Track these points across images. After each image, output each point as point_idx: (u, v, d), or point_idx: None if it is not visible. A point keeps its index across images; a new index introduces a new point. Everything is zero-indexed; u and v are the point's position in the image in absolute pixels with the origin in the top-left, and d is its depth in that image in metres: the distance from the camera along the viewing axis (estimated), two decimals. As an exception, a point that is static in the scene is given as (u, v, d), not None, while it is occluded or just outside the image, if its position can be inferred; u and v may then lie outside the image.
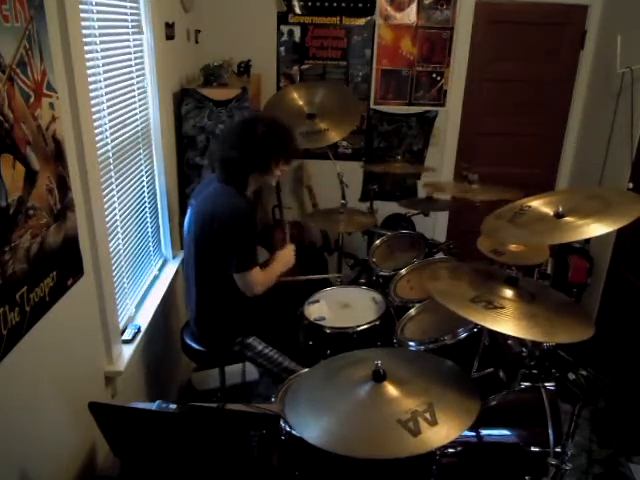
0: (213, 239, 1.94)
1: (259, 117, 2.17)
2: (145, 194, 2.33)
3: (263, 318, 2.21)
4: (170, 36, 2.58)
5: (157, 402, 1.57)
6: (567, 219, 1.46)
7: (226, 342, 2.10)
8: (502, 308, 1.37)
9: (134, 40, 2.15)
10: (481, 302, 1.39)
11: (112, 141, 1.87)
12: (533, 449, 1.55)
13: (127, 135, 2.07)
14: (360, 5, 3.36)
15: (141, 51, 2.25)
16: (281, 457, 1.52)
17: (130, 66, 2.11)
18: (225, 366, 2.29)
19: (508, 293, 1.44)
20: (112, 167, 1.89)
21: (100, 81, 1.77)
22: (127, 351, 1.91)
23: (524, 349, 1.58)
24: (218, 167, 2.02)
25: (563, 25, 3.43)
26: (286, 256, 2.22)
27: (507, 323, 1.33)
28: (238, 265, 1.94)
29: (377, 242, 2.68)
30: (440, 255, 2.64)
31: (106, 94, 1.82)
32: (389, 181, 3.70)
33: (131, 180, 2.13)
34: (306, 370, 2.01)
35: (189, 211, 2.09)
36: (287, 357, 2.12)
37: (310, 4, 3.35)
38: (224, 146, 2.01)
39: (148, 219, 2.39)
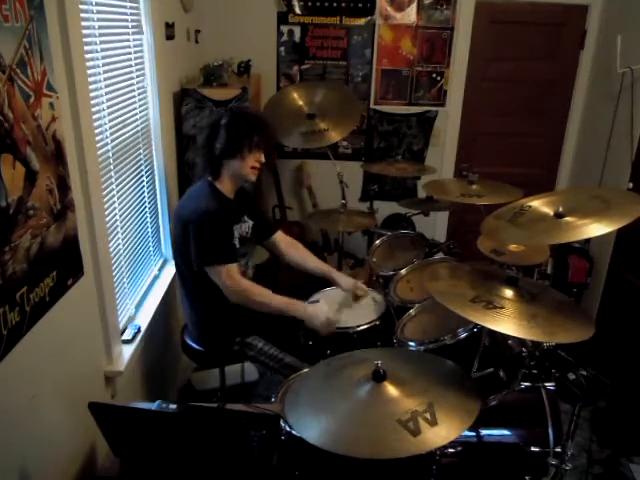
0: (186, 240, 1.94)
1: (231, 110, 2.19)
2: (145, 194, 2.33)
3: (262, 318, 2.21)
4: (170, 36, 2.58)
5: (157, 402, 1.57)
6: (567, 219, 1.46)
7: (226, 342, 2.10)
8: (502, 308, 1.37)
9: (134, 40, 2.15)
10: (481, 302, 1.39)
11: (112, 141, 1.87)
12: (533, 449, 1.55)
13: (127, 135, 2.07)
14: (360, 5, 3.36)
15: (141, 51, 2.25)
16: (281, 457, 1.52)
17: (130, 66, 2.11)
18: (225, 366, 2.29)
19: (508, 293, 1.44)
20: (112, 167, 1.89)
21: (100, 81, 1.77)
22: (127, 351, 1.91)
23: (524, 349, 1.58)
24: (201, 162, 2.07)
25: (563, 25, 3.43)
26: (314, 312, 1.96)
27: (507, 323, 1.33)
28: (198, 259, 1.92)
29: (377, 242, 2.68)
30: (440, 255, 2.64)
31: (106, 94, 1.81)
32: (389, 181, 3.70)
33: (131, 180, 2.13)
34: (307, 367, 2.02)
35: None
36: (288, 354, 2.12)
37: (310, 4, 3.35)
38: (202, 141, 2.07)
39: (148, 219, 2.39)
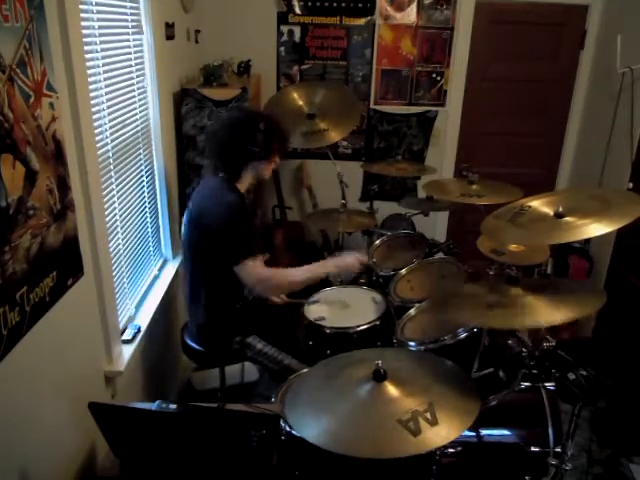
0: (209, 238, 1.94)
1: (259, 113, 2.19)
2: (145, 194, 2.33)
3: (263, 317, 2.22)
4: (170, 36, 2.58)
5: (157, 402, 1.57)
6: (567, 219, 1.46)
7: (225, 342, 2.10)
8: (516, 305, 1.38)
9: (134, 40, 2.15)
10: (498, 307, 1.40)
11: (112, 141, 1.87)
12: (533, 449, 1.55)
13: (127, 135, 2.07)
14: (360, 5, 3.36)
15: (141, 51, 2.25)
16: (281, 457, 1.52)
17: (130, 66, 2.11)
18: (225, 366, 2.29)
19: (517, 291, 1.44)
20: (112, 167, 1.89)
21: (100, 81, 1.77)
22: (127, 351, 1.91)
23: (524, 349, 1.58)
24: (215, 158, 2.05)
25: (563, 25, 3.43)
26: (344, 260, 2.14)
27: (529, 315, 1.34)
28: (234, 257, 1.93)
29: (377, 242, 2.68)
30: (440, 255, 2.64)
31: (106, 94, 1.82)
32: (389, 181, 3.70)
33: (131, 180, 2.13)
34: (306, 369, 2.01)
35: (186, 214, 2.09)
36: (288, 355, 2.12)
37: (310, 4, 3.35)
38: (223, 138, 2.03)
39: (148, 219, 2.39)
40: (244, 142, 1.99)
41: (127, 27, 2.09)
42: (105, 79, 1.81)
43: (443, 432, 1.18)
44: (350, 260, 2.13)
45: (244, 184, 2.06)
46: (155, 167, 2.47)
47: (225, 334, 2.10)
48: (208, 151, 2.09)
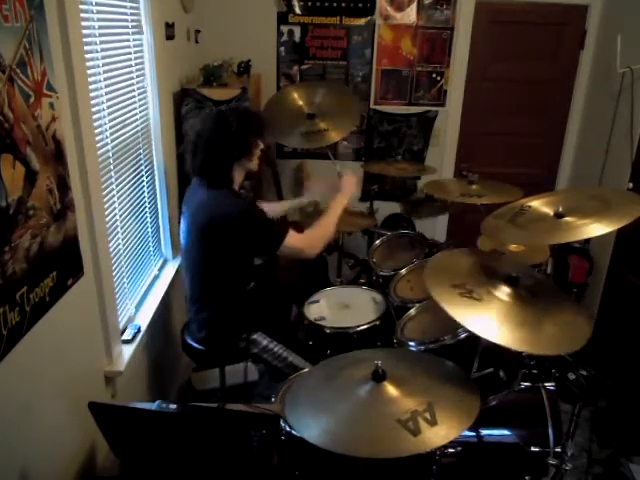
0: (226, 240, 1.91)
1: (224, 111, 2.06)
2: (145, 194, 2.33)
3: (265, 316, 2.21)
4: (170, 36, 2.58)
5: (157, 402, 1.57)
6: (567, 219, 1.46)
7: (231, 339, 2.09)
8: (482, 302, 1.37)
9: (134, 40, 2.15)
10: (463, 294, 1.39)
11: (112, 141, 1.87)
12: (533, 449, 1.55)
13: (127, 135, 2.07)
14: (360, 5, 3.35)
15: (141, 51, 2.25)
16: (281, 457, 1.52)
17: (130, 66, 2.11)
18: (227, 366, 2.29)
19: (505, 291, 1.43)
20: (112, 167, 1.89)
21: (100, 81, 1.77)
22: (127, 351, 1.91)
23: (524, 349, 1.57)
24: (200, 174, 1.99)
25: (563, 25, 3.42)
26: (349, 182, 2.29)
27: (479, 323, 1.33)
28: (271, 245, 1.95)
29: (377, 242, 2.69)
30: (440, 255, 2.63)
31: (106, 94, 1.82)
32: (389, 181, 3.70)
33: (131, 180, 2.13)
34: (308, 368, 2.02)
35: (183, 219, 2.07)
36: (292, 352, 2.12)
37: (310, 4, 3.35)
38: (200, 151, 1.96)
39: (148, 219, 2.39)
40: (221, 152, 1.94)
41: (127, 27, 2.09)
42: (105, 79, 1.81)
43: (443, 432, 1.18)
44: (351, 187, 2.28)
45: (236, 183, 2.05)
46: (155, 167, 2.47)
47: (231, 332, 2.09)
48: (194, 171, 2.04)
